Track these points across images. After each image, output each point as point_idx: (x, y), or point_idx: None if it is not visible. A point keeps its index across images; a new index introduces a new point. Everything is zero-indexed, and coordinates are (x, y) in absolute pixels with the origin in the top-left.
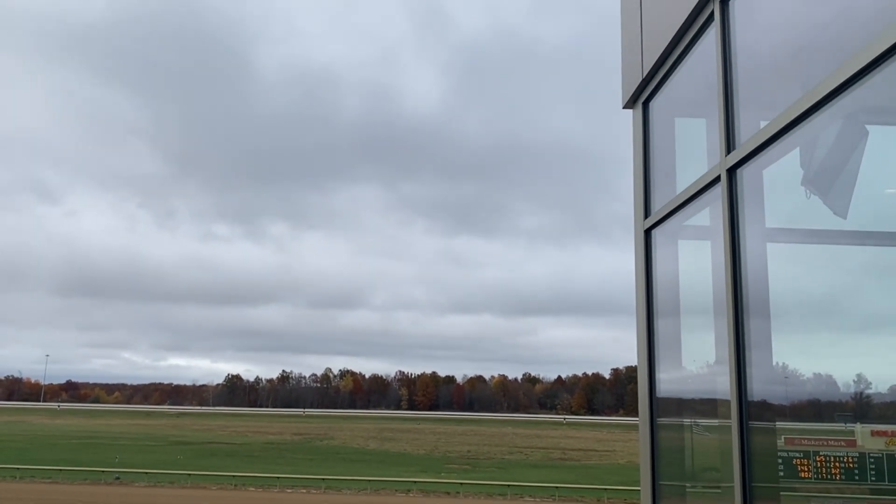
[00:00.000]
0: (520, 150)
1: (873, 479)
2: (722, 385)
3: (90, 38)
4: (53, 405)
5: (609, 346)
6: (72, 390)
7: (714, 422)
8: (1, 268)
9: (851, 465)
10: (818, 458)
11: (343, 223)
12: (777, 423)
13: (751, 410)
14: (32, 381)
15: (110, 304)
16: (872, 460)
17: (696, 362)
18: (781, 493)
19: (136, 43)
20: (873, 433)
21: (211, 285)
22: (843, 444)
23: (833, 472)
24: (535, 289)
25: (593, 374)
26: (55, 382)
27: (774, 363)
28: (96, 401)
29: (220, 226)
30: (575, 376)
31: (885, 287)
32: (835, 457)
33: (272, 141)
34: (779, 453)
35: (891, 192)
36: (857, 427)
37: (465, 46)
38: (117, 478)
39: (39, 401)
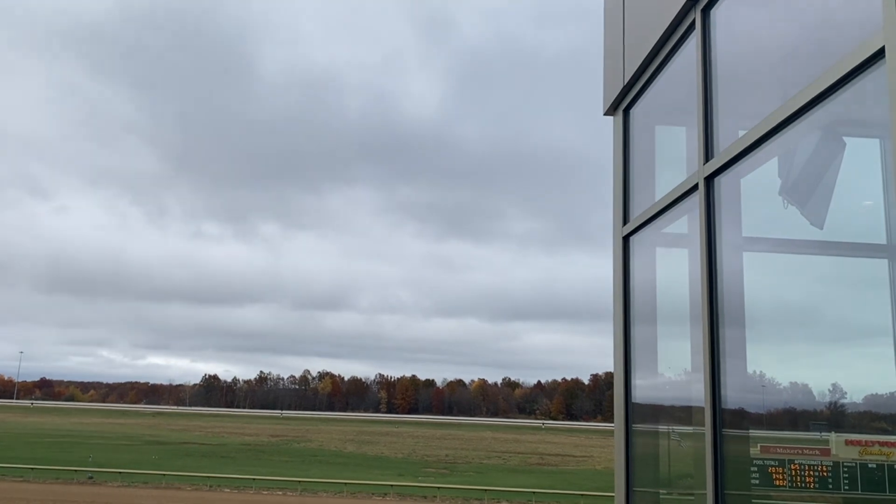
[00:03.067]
0: (515, 156)
1: (847, 488)
2: (697, 392)
3: (93, 35)
4: (26, 403)
5: (589, 352)
6: (46, 388)
7: (689, 429)
8: None
9: (825, 474)
10: (793, 467)
11: (335, 225)
12: (752, 431)
13: (725, 418)
14: (6, 378)
15: (93, 301)
16: (846, 469)
17: (672, 369)
18: (754, 500)
19: (139, 41)
20: (847, 442)
21: (197, 284)
22: (817, 452)
23: (807, 480)
24: (521, 294)
25: (573, 379)
26: (29, 380)
27: (750, 371)
28: (71, 399)
29: (210, 225)
30: (554, 381)
31: (860, 298)
32: (809, 465)
33: (270, 141)
34: (753, 461)
35: (867, 204)
36: (832, 436)
37: (467, 53)
38: (90, 477)
39: (13, 398)
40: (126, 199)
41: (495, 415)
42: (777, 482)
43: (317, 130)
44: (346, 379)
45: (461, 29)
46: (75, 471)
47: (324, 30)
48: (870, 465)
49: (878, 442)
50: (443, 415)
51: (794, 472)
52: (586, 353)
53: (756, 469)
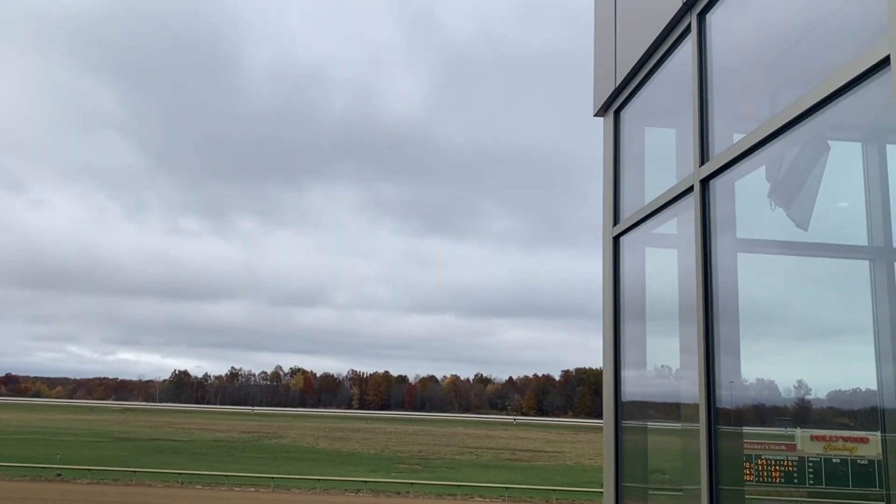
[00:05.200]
0: (497, 155)
1: (811, 482)
2: (686, 389)
3: (76, 30)
4: None
5: (560, 348)
6: (11, 384)
7: (677, 425)
8: None
9: (791, 469)
10: (759, 462)
11: (314, 221)
12: (732, 427)
13: (718, 415)
14: None
15: (64, 296)
16: (811, 464)
17: (661, 367)
18: (748, 497)
19: (123, 35)
20: (812, 437)
21: (171, 280)
22: (783, 448)
23: (773, 475)
24: (497, 291)
25: (544, 375)
26: None
27: (740, 369)
28: (37, 395)
29: (188, 221)
30: (526, 377)
31: (835, 297)
32: (775, 460)
33: (252, 137)
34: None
35: (844, 206)
36: (798, 431)
37: (452, 51)
38: (58, 474)
39: None
40: (103, 193)
41: (467, 410)
42: (745, 477)
43: (299, 127)
44: (318, 375)
45: (447, 27)
46: (43, 468)
47: (310, 27)
48: (834, 460)
49: (843, 437)
50: (415, 411)
51: (760, 468)
52: (558, 349)
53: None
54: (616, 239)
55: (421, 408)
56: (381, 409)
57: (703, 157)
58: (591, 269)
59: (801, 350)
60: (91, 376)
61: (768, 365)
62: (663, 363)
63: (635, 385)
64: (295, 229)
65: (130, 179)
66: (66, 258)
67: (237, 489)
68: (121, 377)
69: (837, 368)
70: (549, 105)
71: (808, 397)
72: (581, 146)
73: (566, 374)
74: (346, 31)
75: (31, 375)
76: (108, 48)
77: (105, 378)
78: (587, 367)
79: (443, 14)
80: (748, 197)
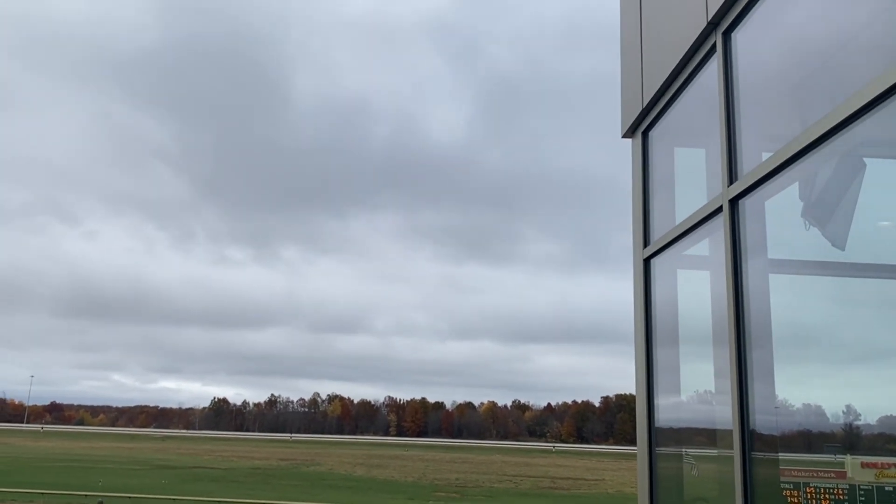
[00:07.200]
0: (538, 179)
1: None
2: (721, 415)
3: (127, 64)
4: (37, 427)
5: (600, 374)
6: (56, 412)
7: (713, 452)
8: (7, 287)
9: (842, 497)
10: (808, 490)
11: (356, 249)
12: (768, 453)
13: (754, 441)
14: (17, 402)
15: (109, 325)
16: (862, 492)
17: (695, 392)
18: None
19: (172, 69)
20: (863, 465)
21: (214, 308)
22: (833, 475)
23: (823, 503)
24: (535, 316)
25: (583, 401)
26: (40, 404)
27: (776, 394)
28: (80, 423)
29: (233, 250)
30: (565, 404)
31: (878, 319)
32: (825, 488)
33: (297, 167)
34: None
35: (885, 225)
36: (847, 458)
37: (493, 78)
38: (100, 502)
39: (23, 422)
40: (152, 224)
41: (505, 438)
42: None
43: (343, 156)
44: (355, 402)
45: (488, 54)
46: (85, 496)
47: (355, 59)
48: (886, 489)
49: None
50: (452, 438)
51: (809, 496)
52: (597, 374)
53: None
54: (647, 261)
55: (458, 435)
56: (419, 435)
57: (732, 177)
58: (630, 292)
59: (848, 373)
60: (133, 404)
61: (811, 389)
62: (697, 388)
63: (669, 411)
64: (337, 257)
65: (179, 210)
66: (114, 288)
67: None
68: (161, 405)
69: (888, 393)
70: (590, 127)
71: (857, 423)
72: (622, 168)
73: (606, 399)
74: (390, 62)
75: (75, 403)
76: (158, 82)
77: (146, 406)
78: (627, 392)
79: (485, 42)
80: (779, 216)
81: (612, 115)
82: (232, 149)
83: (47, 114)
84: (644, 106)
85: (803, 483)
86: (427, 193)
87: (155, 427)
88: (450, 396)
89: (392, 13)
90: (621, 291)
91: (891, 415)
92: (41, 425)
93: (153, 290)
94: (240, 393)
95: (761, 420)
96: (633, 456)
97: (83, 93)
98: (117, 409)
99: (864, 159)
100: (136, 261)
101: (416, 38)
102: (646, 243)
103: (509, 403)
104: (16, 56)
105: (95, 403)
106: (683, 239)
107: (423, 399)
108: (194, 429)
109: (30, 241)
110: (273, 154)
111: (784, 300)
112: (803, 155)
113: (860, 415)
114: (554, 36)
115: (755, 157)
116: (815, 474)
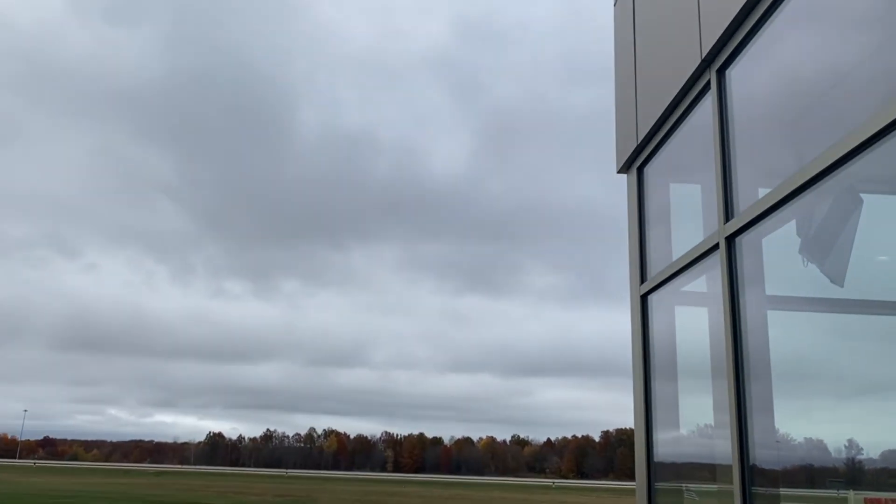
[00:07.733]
0: (540, 213)
1: None
2: (720, 449)
3: (130, 98)
4: (29, 462)
5: (600, 409)
6: (49, 447)
7: (713, 487)
8: (4, 320)
9: None
10: None
11: (356, 282)
12: (769, 489)
13: (754, 476)
14: (9, 436)
15: (106, 358)
16: None
17: (695, 426)
18: None
19: (174, 103)
20: (867, 501)
21: (211, 342)
22: None
23: None
24: (535, 349)
25: (583, 436)
26: (33, 438)
27: (776, 429)
28: (74, 458)
29: (232, 283)
30: (564, 439)
31: (879, 354)
32: None
33: (298, 200)
34: None
35: (883, 260)
36: (851, 494)
37: (493, 112)
38: None
39: (15, 457)
40: (152, 257)
41: (504, 473)
42: None
43: (344, 189)
44: (351, 437)
45: (489, 88)
46: None
47: (357, 93)
48: None
49: None
50: (450, 473)
51: None
52: (597, 409)
53: None
54: (644, 297)
55: (456, 470)
56: (416, 471)
57: (728, 214)
58: (629, 327)
59: (849, 408)
60: (128, 438)
61: (813, 423)
62: (696, 423)
63: (668, 445)
64: (337, 290)
65: (179, 243)
66: (111, 321)
67: None
68: (157, 439)
69: (890, 427)
70: (591, 161)
71: (859, 457)
72: (622, 202)
73: (606, 434)
74: (392, 96)
75: (69, 438)
76: (160, 115)
77: (141, 440)
78: (628, 427)
79: (485, 76)
80: (777, 253)
81: (612, 149)
82: (233, 182)
83: (49, 147)
84: (639, 142)
85: None
86: (428, 226)
87: (150, 462)
88: (448, 431)
89: (394, 49)
90: (622, 325)
91: (893, 449)
92: (33, 460)
93: (150, 324)
94: (235, 427)
95: (762, 455)
96: (633, 491)
97: (85, 126)
98: (111, 443)
99: (862, 195)
100: (134, 294)
101: (418, 73)
102: (642, 279)
103: (508, 438)
104: (20, 92)
105: (90, 438)
106: (680, 276)
107: (421, 434)
108: (189, 464)
109: (28, 274)
110: (275, 187)
111: (783, 336)
112: (800, 192)
113: (862, 449)
114: (553, 71)
115: (751, 193)
116: None
